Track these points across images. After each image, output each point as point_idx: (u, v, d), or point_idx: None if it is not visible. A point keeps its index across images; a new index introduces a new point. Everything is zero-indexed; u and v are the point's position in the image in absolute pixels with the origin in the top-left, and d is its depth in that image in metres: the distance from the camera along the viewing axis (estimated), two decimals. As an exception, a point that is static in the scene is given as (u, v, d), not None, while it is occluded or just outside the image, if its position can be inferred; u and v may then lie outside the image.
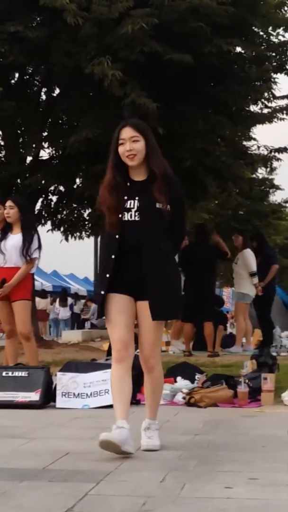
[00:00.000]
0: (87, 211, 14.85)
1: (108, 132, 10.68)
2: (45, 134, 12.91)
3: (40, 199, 13.89)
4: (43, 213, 14.27)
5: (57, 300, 27.22)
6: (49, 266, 34.19)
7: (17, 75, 12.79)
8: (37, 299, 26.26)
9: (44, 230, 14.39)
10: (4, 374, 6.31)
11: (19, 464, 3.82)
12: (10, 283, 7.34)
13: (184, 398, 6.26)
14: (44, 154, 13.51)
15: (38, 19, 11.17)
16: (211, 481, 3.40)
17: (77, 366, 6.57)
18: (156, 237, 4.18)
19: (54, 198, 14.29)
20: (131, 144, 4.20)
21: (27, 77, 12.98)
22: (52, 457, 3.96)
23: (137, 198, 4.20)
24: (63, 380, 6.28)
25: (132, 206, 4.20)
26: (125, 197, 4.21)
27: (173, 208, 4.26)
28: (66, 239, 15.14)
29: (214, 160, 12.60)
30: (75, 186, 13.80)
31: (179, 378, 6.75)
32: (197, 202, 13.79)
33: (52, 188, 13.84)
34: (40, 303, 24.13)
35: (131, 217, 4.19)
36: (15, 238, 7.46)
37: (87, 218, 15.09)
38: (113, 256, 4.18)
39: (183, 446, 4.34)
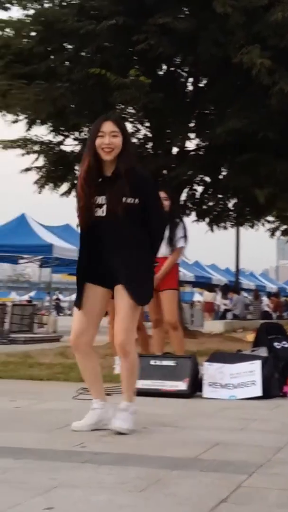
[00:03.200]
0: (232, 202, 14.78)
1: (255, 122, 10.67)
2: (191, 125, 12.94)
3: (185, 190, 13.94)
4: (188, 204, 14.32)
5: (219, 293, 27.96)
6: (192, 256, 34.48)
7: (164, 66, 12.89)
8: (205, 292, 28.30)
9: (189, 221, 14.46)
10: (152, 362, 6.38)
11: (171, 452, 3.85)
12: (157, 276, 7.42)
13: None
14: (190, 145, 13.55)
15: (186, 10, 11.19)
16: None
17: (224, 357, 6.58)
18: (125, 231, 4.37)
19: (199, 189, 14.31)
20: (110, 139, 4.37)
21: (175, 68, 13.05)
22: (203, 447, 3.97)
23: (106, 194, 4.38)
24: (210, 370, 6.29)
25: (103, 202, 4.39)
26: (96, 193, 4.40)
27: (145, 200, 4.42)
28: (211, 230, 15.13)
29: None
30: (220, 177, 13.75)
31: None
32: None
33: (197, 178, 13.86)
34: (208, 296, 28.22)
35: (102, 212, 4.39)
36: (163, 229, 7.55)
37: (232, 208, 15.02)
38: (86, 250, 4.44)
39: None
